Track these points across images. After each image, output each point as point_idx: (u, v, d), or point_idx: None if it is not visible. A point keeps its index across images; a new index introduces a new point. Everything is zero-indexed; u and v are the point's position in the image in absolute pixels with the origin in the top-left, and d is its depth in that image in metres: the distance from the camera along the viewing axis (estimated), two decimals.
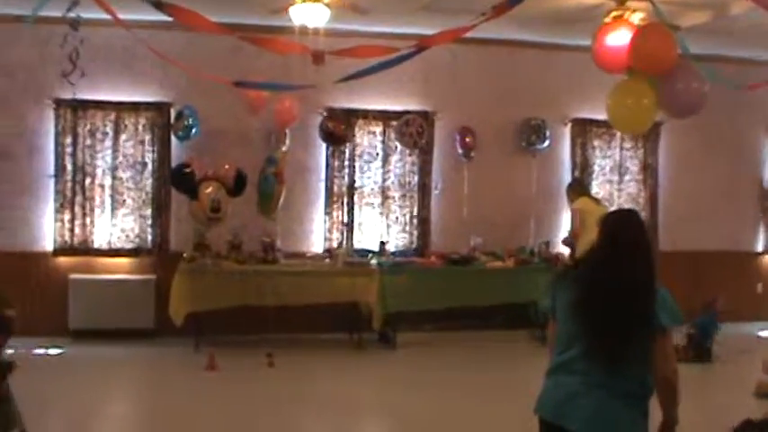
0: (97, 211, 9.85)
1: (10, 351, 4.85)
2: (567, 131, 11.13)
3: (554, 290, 3.83)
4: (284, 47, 7.04)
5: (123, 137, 9.86)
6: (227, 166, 9.27)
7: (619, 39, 6.56)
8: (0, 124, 9.62)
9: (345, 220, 10.53)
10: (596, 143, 11.20)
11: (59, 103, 9.60)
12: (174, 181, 9.46)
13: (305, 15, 7.77)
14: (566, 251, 10.10)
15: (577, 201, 9.40)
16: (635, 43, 6.12)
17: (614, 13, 7.72)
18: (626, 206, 10.67)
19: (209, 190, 9.10)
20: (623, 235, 3.65)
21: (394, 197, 10.69)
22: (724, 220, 11.52)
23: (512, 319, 10.17)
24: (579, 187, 9.88)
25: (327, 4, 7.75)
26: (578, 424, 3.47)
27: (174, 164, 9.83)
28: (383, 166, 10.64)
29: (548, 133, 10.81)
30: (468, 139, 10.57)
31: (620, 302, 3.50)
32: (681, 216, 11.30)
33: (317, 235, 10.52)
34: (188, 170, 9.21)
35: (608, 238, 3.68)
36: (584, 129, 11.10)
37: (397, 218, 10.72)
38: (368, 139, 10.60)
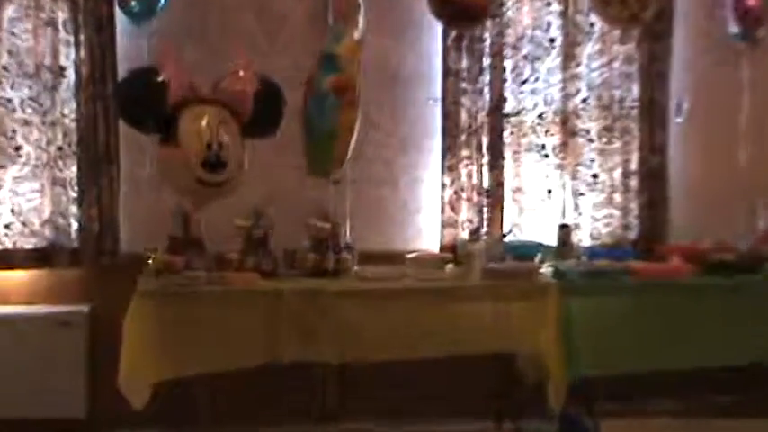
0: None
1: None
2: None
3: None
4: None
5: (9, 12, 8.28)
6: (241, 73, 7.52)
7: None
8: None
9: (486, 183, 8.89)
10: None
11: None
12: (126, 106, 7.54)
13: None
14: None
15: None
16: None
17: None
18: None
19: (202, 123, 7.38)
20: None
21: (588, 133, 8.99)
22: None
23: None
24: None
25: None
26: None
27: (121, 69, 8.18)
28: (563, 69, 8.91)
29: None
30: (750, 4, 8.68)
31: None
32: None
33: (428, 216, 8.94)
34: (155, 83, 7.28)
35: None
36: None
37: (595, 177, 9.03)
38: (531, 10, 8.95)
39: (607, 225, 9.07)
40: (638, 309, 7.98)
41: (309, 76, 7.82)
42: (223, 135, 7.38)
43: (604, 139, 8.99)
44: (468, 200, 8.89)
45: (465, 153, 8.84)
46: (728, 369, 8.18)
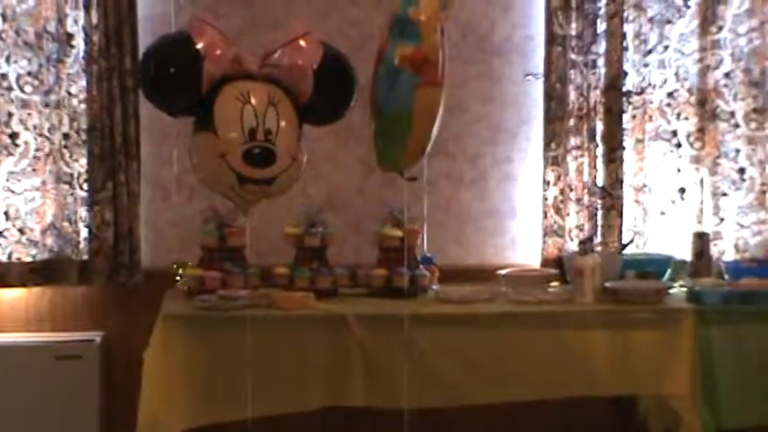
0: None
1: None
2: None
3: None
4: None
5: None
6: (302, 43, 7.61)
7: None
8: None
9: (601, 180, 9.12)
10: None
11: None
12: (150, 82, 7.55)
13: None
14: None
15: None
16: None
17: None
18: None
19: (247, 105, 7.45)
20: None
21: (733, 116, 9.13)
22: None
23: None
24: None
25: None
26: None
27: (143, 37, 8.35)
28: (702, 34, 9.11)
29: None
30: None
31: None
32: None
33: (526, 222, 9.25)
34: (189, 51, 7.40)
35: None
36: None
37: (741, 172, 9.14)
38: None
39: (757, 234, 9.13)
40: None
41: (380, 45, 7.71)
42: (273, 120, 7.38)
43: (753, 125, 9.06)
44: (578, 201, 9.08)
45: (574, 142, 9.01)
46: None
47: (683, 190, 9.22)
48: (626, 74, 9.06)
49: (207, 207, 8.02)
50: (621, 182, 9.07)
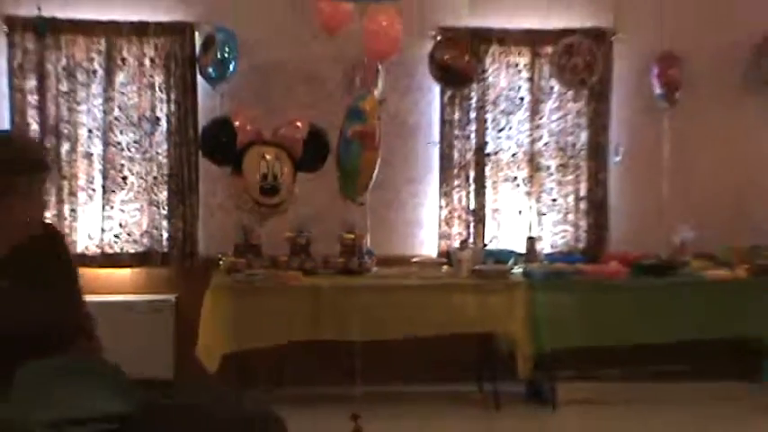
0: (81, 195, 8.59)
1: None
2: None
3: None
4: None
5: (120, 78, 8.54)
6: (298, 124, 7.95)
7: None
8: None
9: (472, 205, 9.22)
10: None
11: (13, 24, 8.29)
12: (206, 146, 7.97)
13: None
14: None
15: None
16: None
17: None
18: None
19: (262, 160, 7.71)
20: None
21: (549, 168, 9.33)
22: None
23: (737, 364, 8.74)
24: None
25: None
26: None
27: (201, 120, 8.54)
28: (531, 120, 9.24)
29: None
30: (671, 73, 8.97)
31: None
32: None
33: (429, 229, 9.27)
34: (228, 129, 7.76)
35: None
36: None
37: (554, 201, 9.33)
38: (506, 75, 9.25)
39: (562, 237, 9.38)
40: (585, 299, 8.32)
41: (340, 126, 7.97)
42: (278, 169, 7.67)
43: (561, 173, 9.30)
44: (459, 218, 9.20)
45: (456, 183, 9.16)
46: (659, 344, 8.35)
47: (520, 212, 9.24)
48: (487, 143, 9.05)
49: (239, 220, 8.16)
50: (484, 207, 9.15)
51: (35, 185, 3.84)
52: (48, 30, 8.17)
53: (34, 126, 8.40)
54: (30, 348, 3.53)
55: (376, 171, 7.99)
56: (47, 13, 7.81)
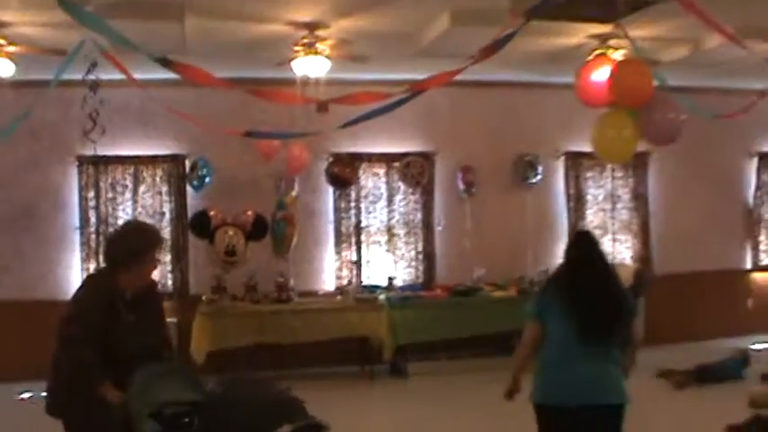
0: None
1: None
2: (560, 165, 11.36)
3: (544, 301, 4.80)
4: (286, 98, 7.23)
5: (142, 188, 10.13)
6: (249, 212, 9.45)
7: (600, 75, 6.77)
8: (28, 182, 9.84)
9: (354, 258, 10.72)
10: (589, 174, 11.47)
11: (82, 160, 9.84)
12: (193, 228, 9.61)
13: (307, 67, 8.02)
14: None
15: None
16: (613, 78, 6.40)
17: (597, 51, 8.14)
18: (619, 234, 11.51)
19: (226, 235, 9.25)
20: (595, 251, 4.84)
21: (399, 234, 10.89)
22: (713, 241, 11.84)
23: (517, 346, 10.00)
24: None
25: (328, 56, 8.01)
26: (608, 391, 4.60)
27: (190, 212, 9.98)
28: (388, 206, 10.86)
29: (540, 168, 11.06)
30: (469, 176, 10.78)
31: (608, 305, 4.66)
32: (673, 240, 11.56)
33: (328, 273, 10.71)
34: (206, 217, 9.39)
35: (584, 256, 4.82)
36: (576, 161, 11.34)
37: (403, 254, 10.92)
38: (372, 180, 10.83)
39: (409, 276, 10.76)
40: (423, 312, 9.85)
41: (272, 212, 9.55)
42: (236, 241, 9.29)
43: (405, 238, 10.82)
44: (346, 266, 10.66)
45: (344, 245, 10.65)
46: (473, 338, 9.82)
47: (383, 262, 10.59)
48: (361, 221, 10.51)
49: (214, 271, 9.53)
50: (361, 259, 10.50)
51: (156, 254, 4.56)
52: (99, 159, 9.53)
53: (93, 219, 9.81)
54: (143, 359, 4.15)
55: (295, 239, 9.77)
56: (99, 152, 8.45)
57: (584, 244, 4.91)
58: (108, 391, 4.13)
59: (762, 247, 12.29)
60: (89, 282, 4.77)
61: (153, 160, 10.13)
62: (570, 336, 4.60)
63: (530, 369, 4.78)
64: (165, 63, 5.48)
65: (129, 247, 4.38)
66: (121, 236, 4.65)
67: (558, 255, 10.20)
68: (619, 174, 11.58)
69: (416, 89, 6.14)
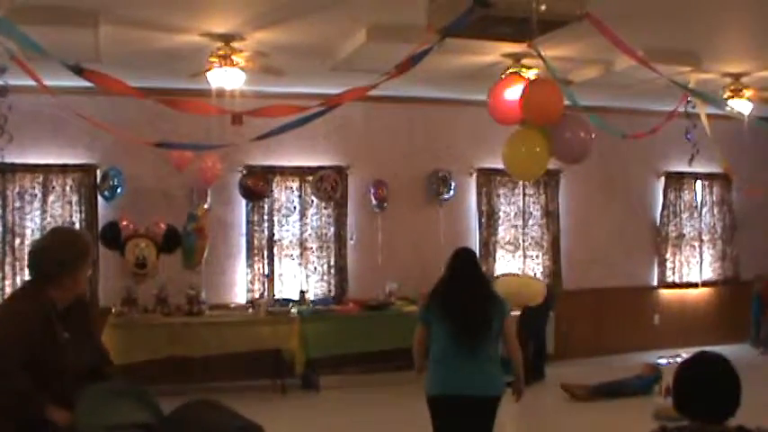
0: (27, 270, 9.37)
1: None
2: (472, 181, 11.59)
3: (429, 307, 5.67)
4: (198, 108, 7.20)
5: (51, 198, 9.99)
6: (161, 224, 9.47)
7: (512, 93, 7.06)
8: None
9: (266, 271, 10.76)
10: (501, 191, 11.73)
11: None
12: (103, 239, 9.52)
13: (222, 79, 8.06)
14: None
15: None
16: (525, 96, 6.62)
17: (511, 70, 8.38)
18: (530, 250, 11.82)
19: (137, 247, 9.25)
20: (469, 265, 5.70)
21: (312, 248, 10.96)
22: (621, 258, 12.30)
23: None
24: None
25: (243, 68, 8.07)
26: (489, 386, 5.41)
27: (101, 223, 9.90)
28: (301, 220, 10.92)
29: (453, 184, 11.24)
30: (381, 191, 10.92)
31: (477, 310, 5.46)
32: (582, 257, 12.01)
33: (240, 286, 10.72)
34: (116, 228, 9.37)
35: (459, 268, 5.68)
36: (488, 178, 11.58)
37: (315, 268, 10.98)
38: (285, 194, 10.87)
39: (321, 289, 10.80)
40: (335, 326, 9.94)
41: (184, 224, 9.48)
42: (147, 253, 9.26)
43: (319, 252, 10.85)
44: (258, 279, 10.67)
45: (256, 258, 10.66)
46: (384, 352, 9.75)
47: (295, 275, 10.59)
48: (274, 234, 10.49)
49: (125, 283, 9.45)
50: (273, 272, 10.52)
51: (88, 263, 4.18)
52: (7, 167, 9.35)
53: None
54: (82, 377, 3.94)
55: (206, 252, 9.75)
56: (7, 160, 8.54)
57: (460, 259, 5.79)
58: (54, 413, 3.83)
59: (668, 264, 12.63)
60: (15, 303, 4.22)
61: (63, 169, 10.01)
62: (449, 336, 5.48)
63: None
64: (77, 70, 5.43)
65: (57, 257, 4.01)
66: (48, 245, 4.18)
67: None
68: (530, 191, 11.85)
69: (331, 104, 6.24)
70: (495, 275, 10.96)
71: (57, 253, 4.03)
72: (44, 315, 3.91)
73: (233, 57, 7.97)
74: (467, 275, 5.65)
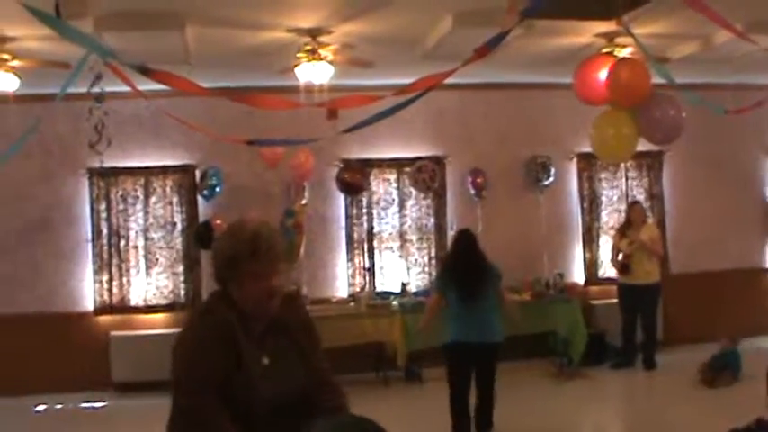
0: (132, 271, 10.25)
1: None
2: (572, 166, 11.48)
3: (441, 277, 7.62)
4: (273, 103, 6.99)
5: (153, 199, 10.37)
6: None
7: (600, 73, 6.93)
8: (41, 196, 10.10)
9: (367, 264, 10.88)
10: (602, 175, 11.60)
11: (92, 172, 10.09)
12: (196, 238, 9.85)
13: (310, 74, 8.14)
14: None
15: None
16: (611, 77, 6.55)
17: (605, 50, 8.24)
18: None
19: None
20: (469, 243, 7.49)
21: (412, 240, 11.04)
22: (731, 240, 11.89)
23: (532, 350, 10.33)
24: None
25: (331, 62, 8.15)
26: (490, 335, 7.23)
27: (201, 221, 10.16)
28: (400, 212, 11.03)
29: (552, 170, 11.15)
30: (479, 180, 10.92)
31: (476, 278, 7.24)
32: (689, 239, 11.68)
33: (341, 280, 10.85)
34: (209, 227, 9.60)
35: (462, 246, 7.49)
36: (589, 162, 11.41)
37: (415, 259, 11.06)
38: (383, 186, 11.01)
39: (423, 281, 10.73)
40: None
41: (281, 220, 9.61)
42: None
43: (417, 243, 10.92)
44: (359, 273, 10.80)
45: (356, 251, 10.81)
46: None
47: (396, 267, 10.72)
48: (373, 227, 10.71)
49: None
50: (374, 265, 10.67)
51: (262, 262, 3.21)
52: (109, 171, 9.77)
53: (104, 231, 10.06)
54: (294, 409, 3.28)
55: (303, 246, 9.92)
56: (109, 164, 9.11)
57: (463, 238, 7.55)
58: None
59: None
60: (198, 318, 3.36)
61: (163, 171, 10.36)
62: (459, 298, 7.25)
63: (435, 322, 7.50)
64: (144, 71, 5.44)
65: (224, 254, 3.25)
66: (217, 241, 3.45)
67: (575, 256, 11.36)
68: (633, 174, 11.66)
69: (405, 92, 5.95)
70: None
71: (222, 249, 3.29)
72: (222, 334, 3.16)
73: (320, 51, 8.01)
74: (468, 252, 7.42)
